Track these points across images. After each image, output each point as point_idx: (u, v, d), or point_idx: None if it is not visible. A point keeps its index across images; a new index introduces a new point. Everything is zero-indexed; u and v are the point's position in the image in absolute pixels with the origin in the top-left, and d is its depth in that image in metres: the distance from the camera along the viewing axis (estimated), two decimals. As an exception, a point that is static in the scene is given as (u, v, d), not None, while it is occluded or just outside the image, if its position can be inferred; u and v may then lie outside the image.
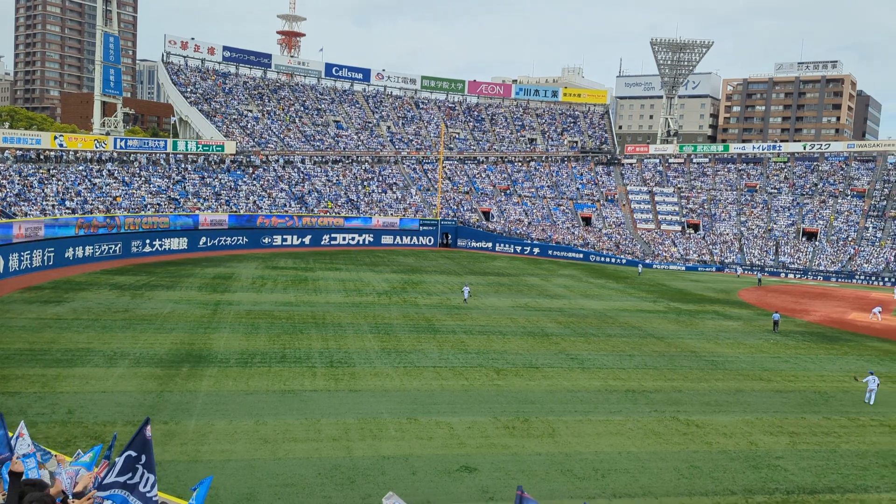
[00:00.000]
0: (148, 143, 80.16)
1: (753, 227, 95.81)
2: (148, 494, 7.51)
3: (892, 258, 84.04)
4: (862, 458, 21.35)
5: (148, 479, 7.54)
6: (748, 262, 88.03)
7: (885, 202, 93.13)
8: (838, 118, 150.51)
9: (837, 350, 39.06)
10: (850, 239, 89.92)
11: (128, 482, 7.49)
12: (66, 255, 55.24)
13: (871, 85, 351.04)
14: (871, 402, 27.43)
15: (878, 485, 19.33)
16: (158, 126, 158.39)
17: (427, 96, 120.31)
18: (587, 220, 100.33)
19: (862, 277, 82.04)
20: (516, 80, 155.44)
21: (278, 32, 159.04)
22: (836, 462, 20.93)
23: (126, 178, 72.20)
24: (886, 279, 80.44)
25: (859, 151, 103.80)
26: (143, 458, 7.57)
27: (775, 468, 20.16)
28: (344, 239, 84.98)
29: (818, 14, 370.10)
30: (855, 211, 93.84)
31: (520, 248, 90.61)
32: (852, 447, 22.37)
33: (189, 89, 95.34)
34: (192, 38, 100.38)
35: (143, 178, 73.87)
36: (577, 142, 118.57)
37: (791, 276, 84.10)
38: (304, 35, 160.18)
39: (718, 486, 18.66)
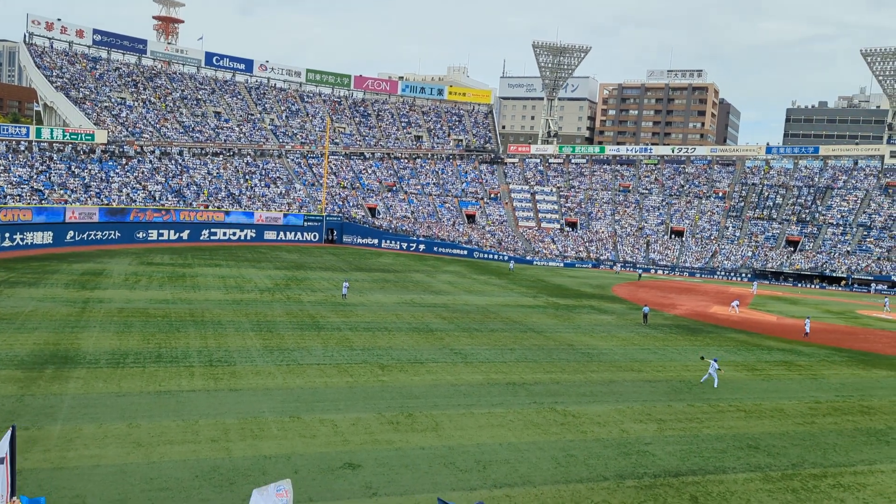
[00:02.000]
0: (7, 130, 74.47)
1: (626, 225, 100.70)
2: None
3: (749, 255, 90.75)
4: (721, 442, 23.02)
5: None
6: (622, 259, 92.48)
7: (742, 203, 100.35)
8: (703, 124, 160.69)
9: (700, 341, 41.80)
10: (712, 237, 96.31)
11: None
12: None
13: (731, 94, 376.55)
14: (715, 386, 29.86)
15: (735, 466, 20.91)
16: (20, 112, 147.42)
17: (312, 90, 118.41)
18: (471, 218, 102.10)
19: (722, 273, 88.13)
20: (403, 77, 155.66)
21: (154, 17, 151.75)
22: (698, 446, 22.45)
23: (-19, 167, 66.82)
24: (743, 275, 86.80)
25: (721, 156, 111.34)
26: None
27: (644, 454, 21.38)
28: (224, 234, 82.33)
29: (685, 26, 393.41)
30: (717, 211, 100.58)
31: (405, 244, 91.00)
32: (713, 432, 24.06)
33: (55, 73, 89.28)
34: (59, 20, 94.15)
35: (1, 167, 68.56)
36: (461, 140, 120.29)
37: (660, 272, 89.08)
38: (182, 21, 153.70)
39: (592, 473, 19.59)
